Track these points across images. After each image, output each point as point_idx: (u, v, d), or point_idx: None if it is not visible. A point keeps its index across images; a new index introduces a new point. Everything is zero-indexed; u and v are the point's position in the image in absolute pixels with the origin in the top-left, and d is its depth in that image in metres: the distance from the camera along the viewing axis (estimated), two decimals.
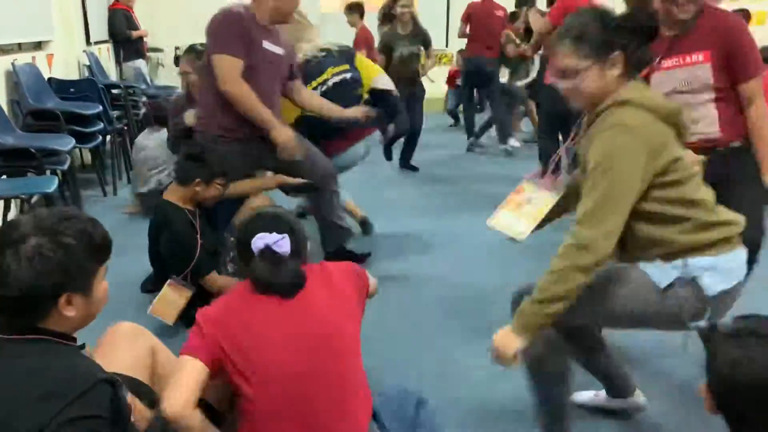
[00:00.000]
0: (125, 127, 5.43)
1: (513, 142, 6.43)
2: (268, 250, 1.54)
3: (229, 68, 2.69)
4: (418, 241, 3.95)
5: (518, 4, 6.46)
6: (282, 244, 1.55)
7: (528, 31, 5.64)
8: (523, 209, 1.87)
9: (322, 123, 3.20)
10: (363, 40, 5.80)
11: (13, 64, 4.32)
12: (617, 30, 1.66)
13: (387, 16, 5.73)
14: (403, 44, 5.47)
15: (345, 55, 3.40)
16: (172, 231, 2.68)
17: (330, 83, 3.27)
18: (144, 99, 5.80)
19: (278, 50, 2.87)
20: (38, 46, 4.96)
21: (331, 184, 3.19)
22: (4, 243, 1.17)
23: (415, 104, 5.49)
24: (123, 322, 1.75)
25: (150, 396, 1.57)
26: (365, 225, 4.05)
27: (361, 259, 3.38)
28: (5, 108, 4.13)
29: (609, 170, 1.59)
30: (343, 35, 4.98)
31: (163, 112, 3.90)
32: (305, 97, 3.12)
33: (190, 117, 3.13)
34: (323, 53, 3.32)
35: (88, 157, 5.27)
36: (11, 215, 3.96)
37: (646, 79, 2.22)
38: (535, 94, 5.71)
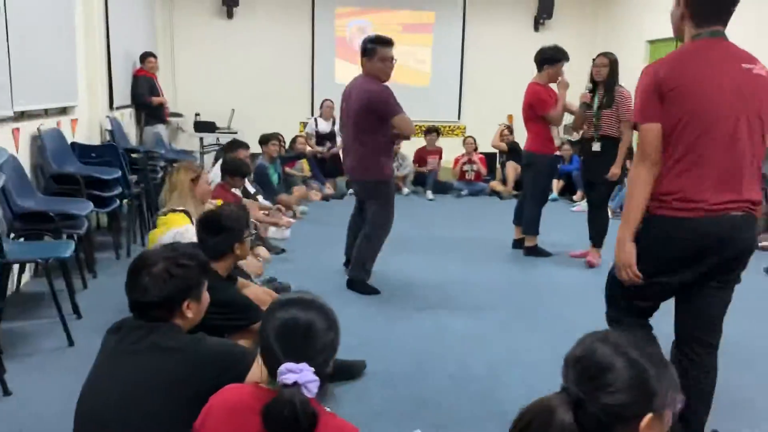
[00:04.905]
0: (142, 191, 5.50)
1: None
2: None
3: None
4: None
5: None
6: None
7: None
8: None
9: None
10: None
11: (39, 129, 4.43)
12: None
13: None
14: None
15: None
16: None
17: None
18: (162, 164, 5.91)
19: None
20: (63, 111, 5.10)
21: None
22: (141, 266, 1.65)
23: None
24: None
25: None
26: None
27: None
28: (29, 172, 4.22)
29: None
30: None
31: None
32: None
33: None
34: None
35: (104, 218, 5.33)
36: (26, 278, 3.99)
37: None
38: None
